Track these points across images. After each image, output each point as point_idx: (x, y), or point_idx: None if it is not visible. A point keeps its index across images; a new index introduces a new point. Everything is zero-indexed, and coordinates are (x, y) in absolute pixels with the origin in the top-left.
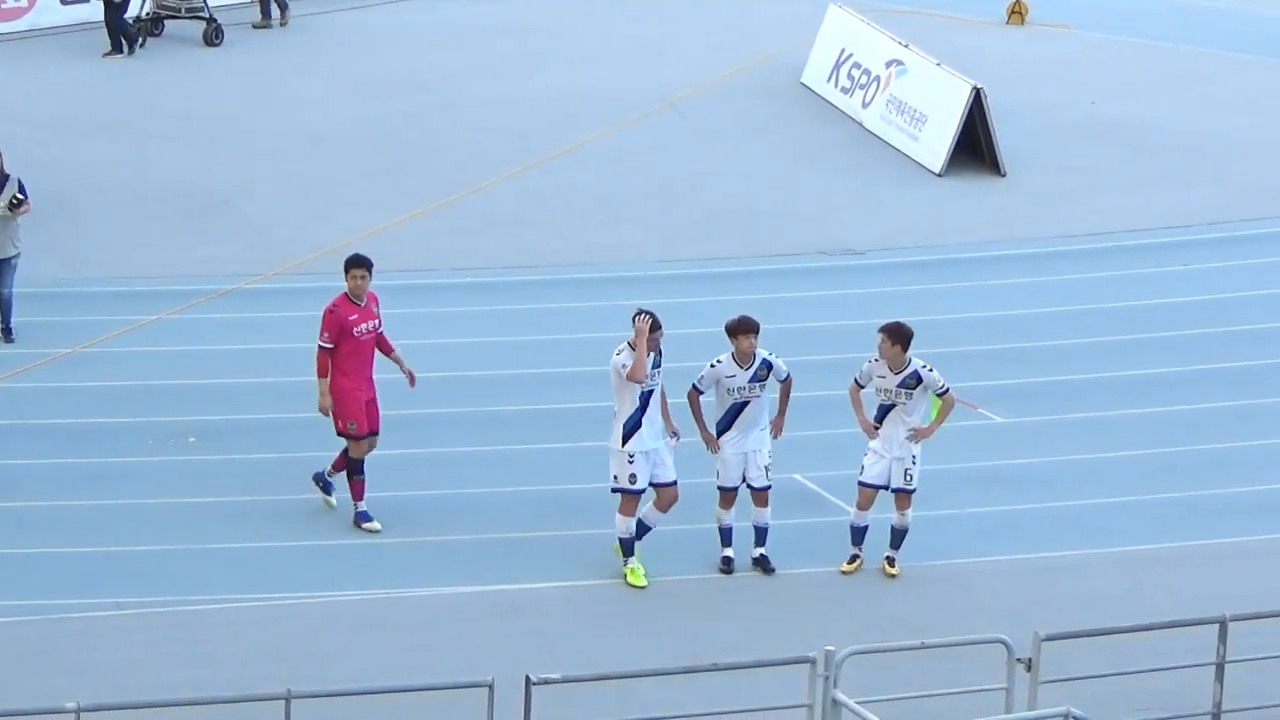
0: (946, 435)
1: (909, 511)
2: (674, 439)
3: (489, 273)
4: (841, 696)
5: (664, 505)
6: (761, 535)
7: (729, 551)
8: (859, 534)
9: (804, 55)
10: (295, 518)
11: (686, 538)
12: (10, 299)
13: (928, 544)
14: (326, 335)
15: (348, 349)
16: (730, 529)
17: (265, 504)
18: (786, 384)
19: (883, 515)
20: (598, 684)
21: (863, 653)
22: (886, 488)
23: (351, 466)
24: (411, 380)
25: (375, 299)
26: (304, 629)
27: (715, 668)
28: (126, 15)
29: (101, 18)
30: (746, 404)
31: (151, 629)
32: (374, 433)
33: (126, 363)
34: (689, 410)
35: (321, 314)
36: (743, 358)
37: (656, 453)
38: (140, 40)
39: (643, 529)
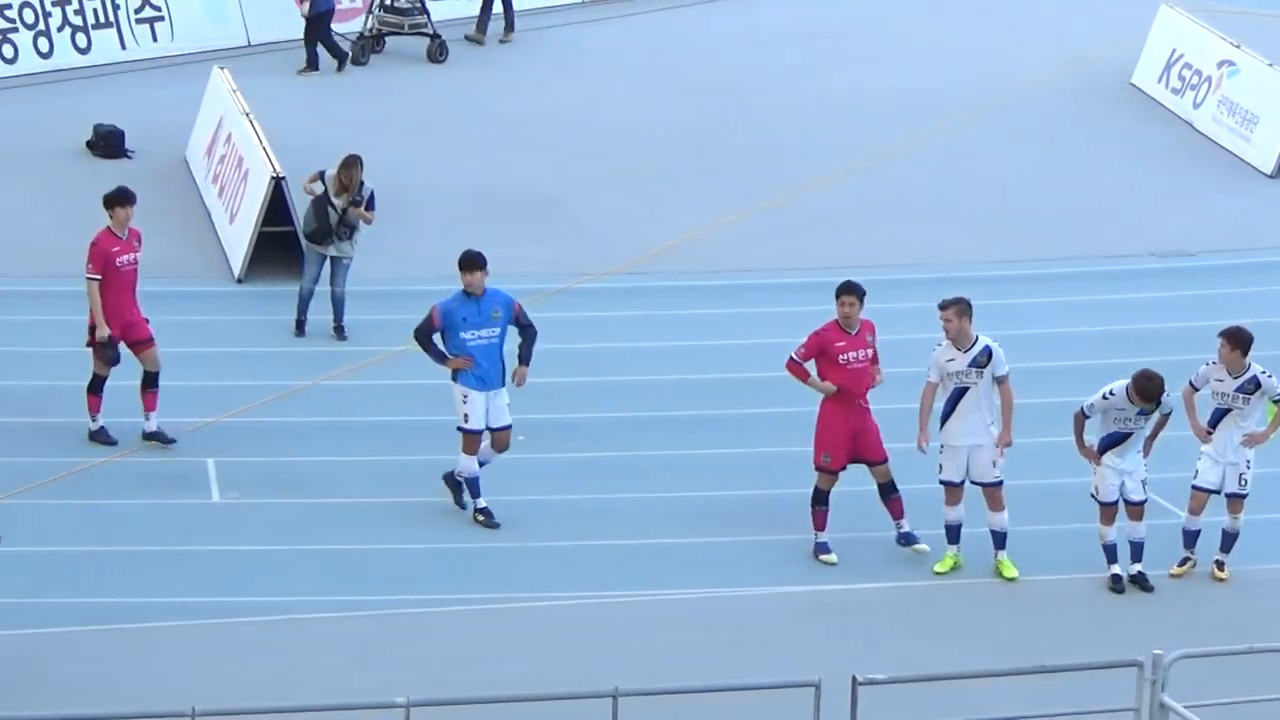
0: None
1: (1241, 516)
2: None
3: (813, 273)
4: (1169, 701)
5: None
6: (1137, 551)
7: (1116, 569)
8: (1191, 538)
9: (1127, 56)
10: (620, 516)
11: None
12: (343, 298)
13: (1258, 548)
14: (804, 350)
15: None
16: (1114, 545)
17: (591, 502)
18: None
19: (1214, 519)
20: (922, 685)
21: (1191, 657)
22: (1219, 492)
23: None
24: None
25: None
26: (629, 627)
27: (1042, 669)
28: (336, 31)
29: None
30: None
31: (479, 625)
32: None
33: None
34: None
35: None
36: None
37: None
38: (364, 57)
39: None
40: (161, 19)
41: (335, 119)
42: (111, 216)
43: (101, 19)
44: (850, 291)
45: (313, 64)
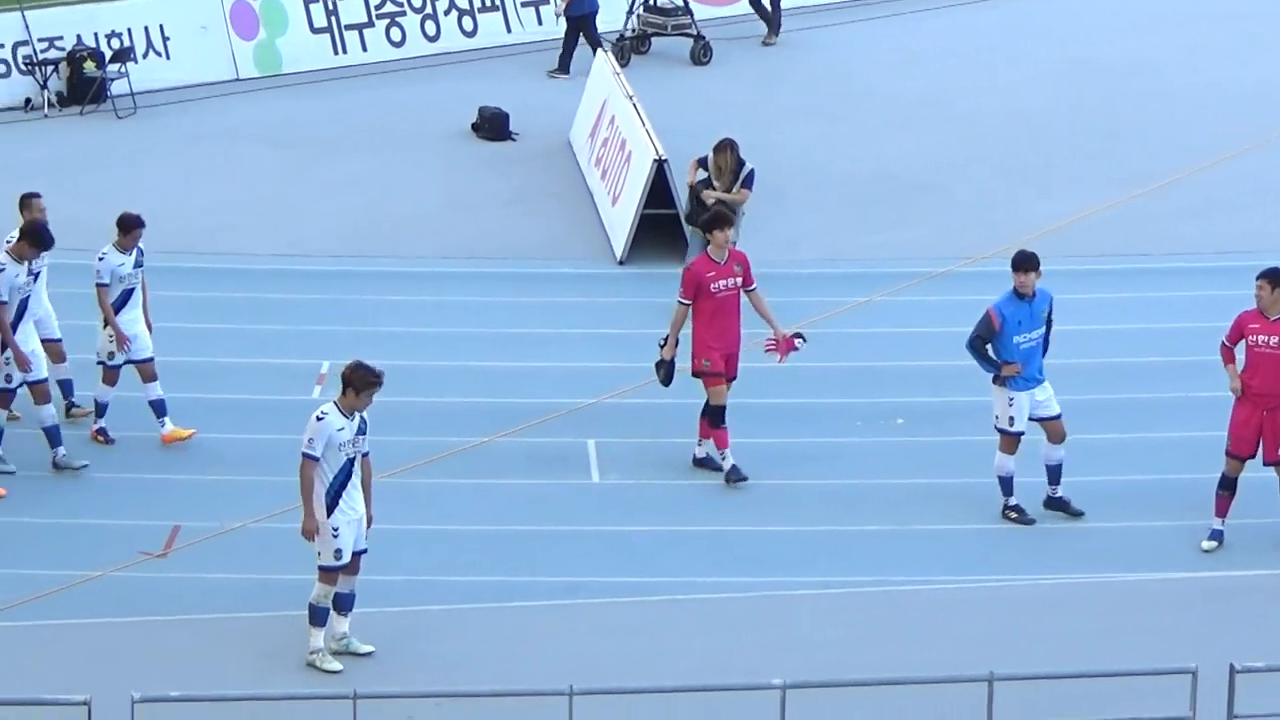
0: None
1: None
2: None
3: (1200, 258)
4: None
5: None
6: None
7: None
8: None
9: None
10: (996, 502)
11: None
12: None
13: None
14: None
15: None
16: None
17: (969, 487)
18: None
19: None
20: None
21: None
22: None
23: None
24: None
25: None
26: (1005, 612)
27: None
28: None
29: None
30: None
31: (855, 609)
32: None
33: (839, 344)
34: None
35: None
36: None
37: None
38: (624, 59)
39: None
40: (546, 2)
41: (716, 103)
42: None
43: (488, 3)
44: (1262, 276)
45: (564, 68)
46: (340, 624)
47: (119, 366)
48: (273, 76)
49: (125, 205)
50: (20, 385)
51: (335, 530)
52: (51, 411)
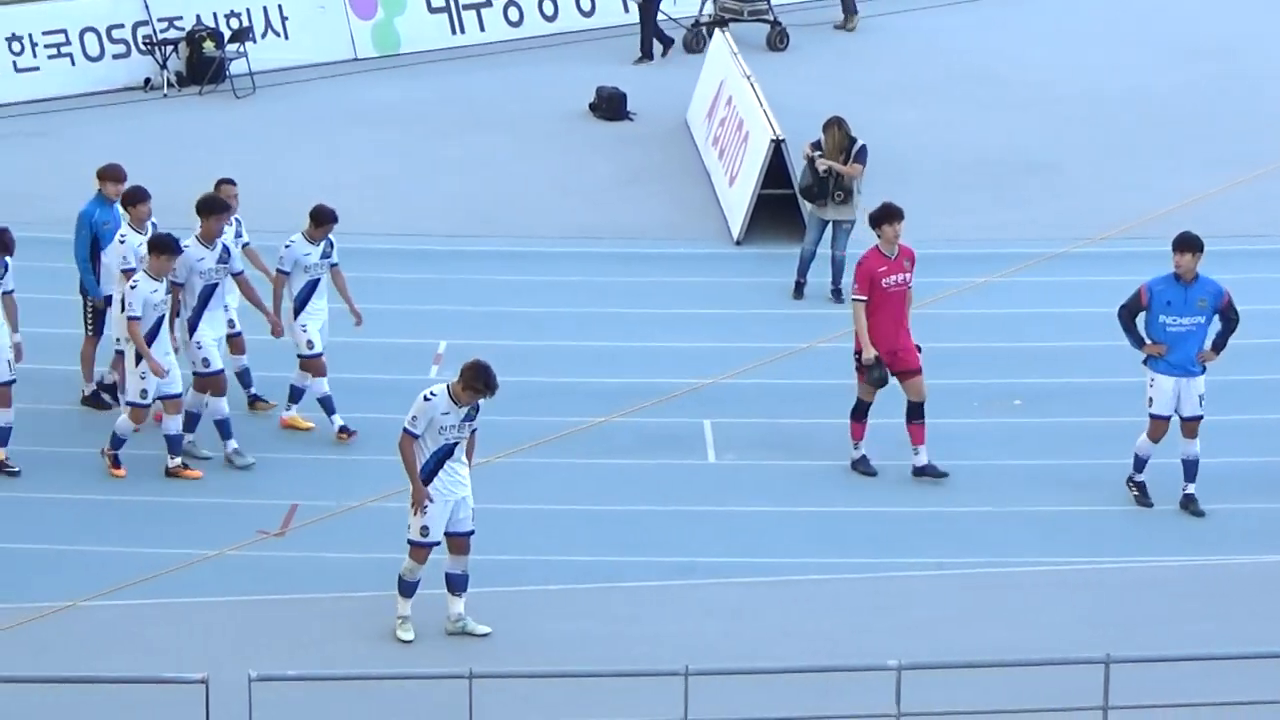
0: None
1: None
2: None
3: None
4: None
5: None
6: None
7: None
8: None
9: None
10: (1111, 484)
11: None
12: (843, 261)
13: None
14: None
15: None
16: None
17: (1085, 468)
18: None
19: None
20: None
21: None
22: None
23: None
24: None
25: None
26: (1120, 594)
27: None
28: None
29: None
30: None
31: (970, 590)
32: None
33: (955, 324)
34: None
35: None
36: None
37: None
38: (699, 44)
39: None
40: None
41: (835, 83)
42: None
43: None
44: None
45: (649, 53)
46: (455, 604)
47: (320, 355)
48: (391, 56)
49: (243, 184)
50: (220, 371)
51: (424, 505)
52: (223, 405)
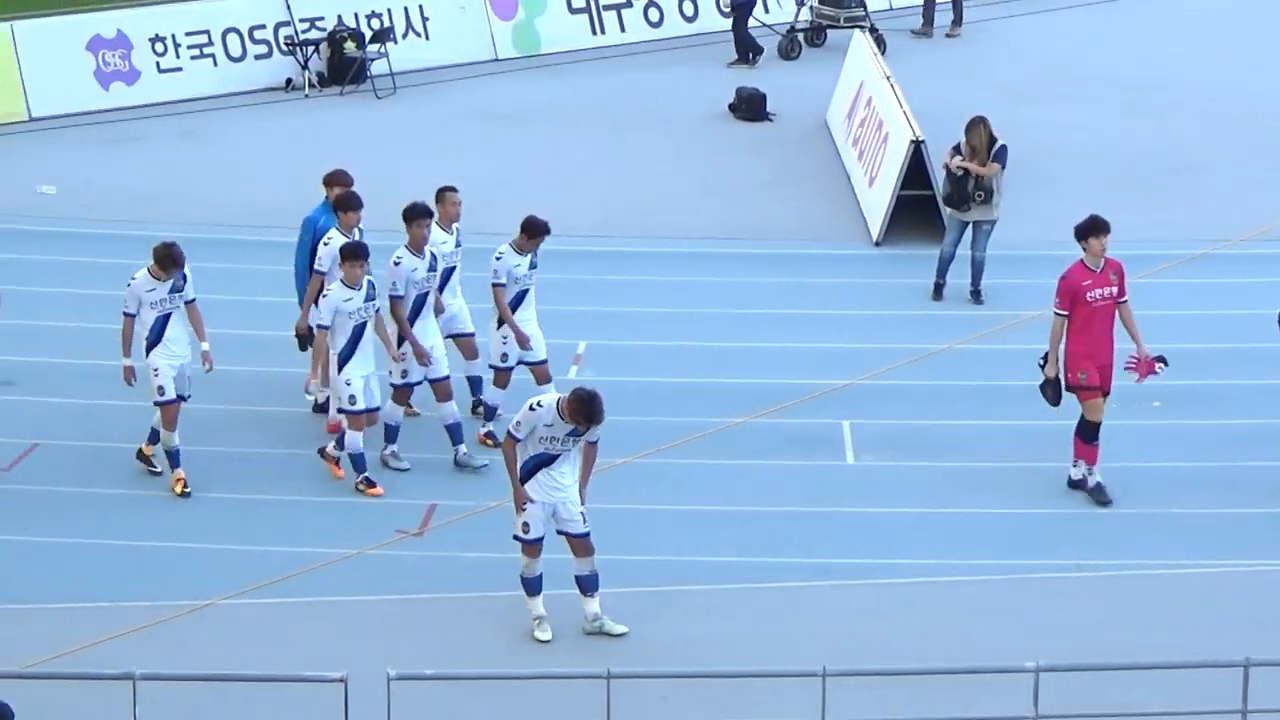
0: None
1: None
2: None
3: None
4: None
5: None
6: None
7: None
8: None
9: None
10: (1252, 486)
11: None
12: (983, 262)
13: None
14: None
15: None
16: None
17: (1226, 470)
18: None
19: None
20: None
21: None
22: None
23: None
24: None
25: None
26: (1261, 597)
27: None
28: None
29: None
30: None
31: (1109, 592)
32: None
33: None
34: None
35: None
36: None
37: None
38: (794, 51)
39: None
40: None
41: (977, 81)
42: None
43: None
44: None
45: (744, 58)
46: (589, 604)
47: (511, 368)
48: (531, 57)
49: (386, 185)
50: (420, 381)
51: (524, 505)
52: (453, 409)
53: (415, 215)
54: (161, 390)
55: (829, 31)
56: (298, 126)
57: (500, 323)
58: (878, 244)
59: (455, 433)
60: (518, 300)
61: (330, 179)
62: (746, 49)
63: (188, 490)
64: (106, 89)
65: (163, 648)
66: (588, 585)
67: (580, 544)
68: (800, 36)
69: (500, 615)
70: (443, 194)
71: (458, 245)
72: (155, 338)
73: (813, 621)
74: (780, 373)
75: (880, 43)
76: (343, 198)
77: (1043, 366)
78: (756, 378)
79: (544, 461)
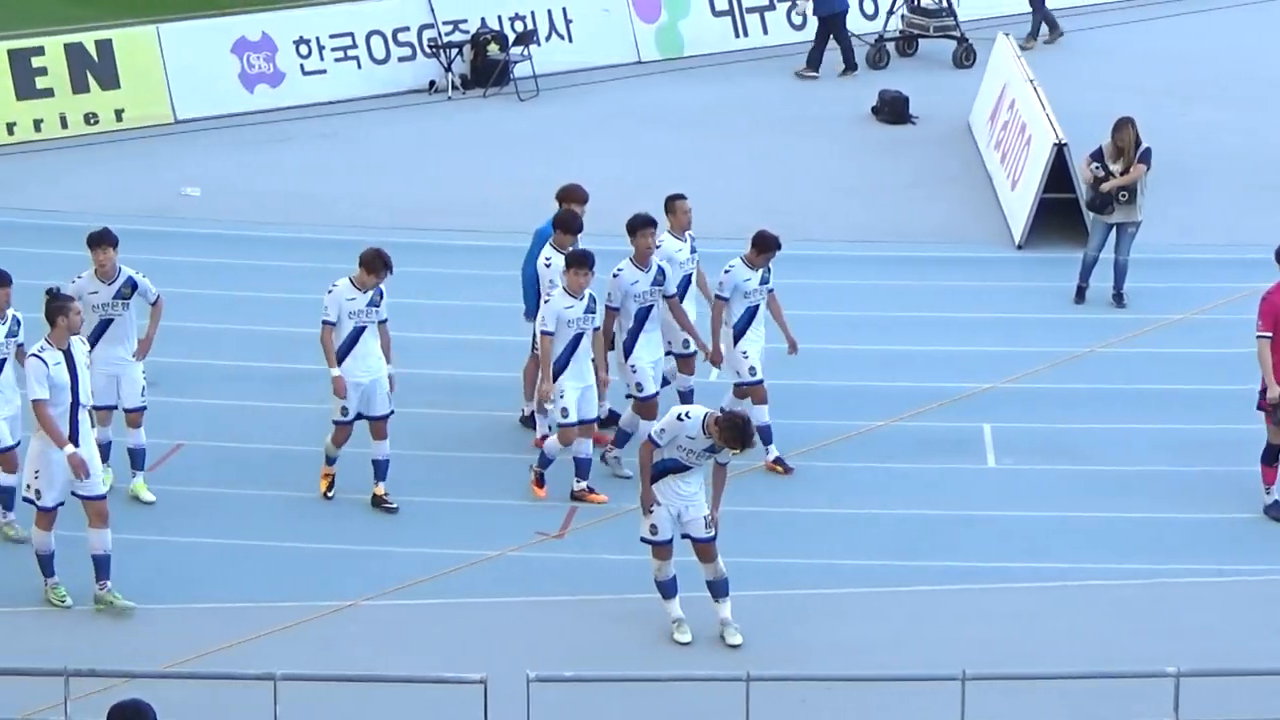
0: None
1: None
2: None
3: None
4: None
5: None
6: None
7: None
8: None
9: None
10: None
11: None
12: (1126, 265)
13: None
14: None
15: None
16: None
17: None
18: None
19: None
20: None
21: None
22: None
23: None
24: None
25: None
26: None
27: None
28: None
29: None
30: None
31: (1247, 597)
32: None
33: (1238, 329)
34: None
35: None
36: None
37: None
38: (883, 60)
39: None
40: None
41: (1116, 86)
42: None
43: None
44: None
45: (813, 66)
46: (720, 609)
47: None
48: (674, 59)
49: (527, 186)
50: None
51: (650, 508)
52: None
53: (639, 226)
54: (345, 411)
55: (919, 41)
56: (441, 129)
57: (736, 339)
58: (1020, 247)
59: (621, 439)
60: (749, 317)
61: (566, 194)
62: (853, 53)
63: (331, 493)
64: (251, 91)
65: (304, 648)
66: (716, 590)
67: (704, 549)
68: (890, 46)
69: (640, 617)
70: (672, 202)
71: (693, 251)
72: (345, 350)
73: (953, 625)
74: (921, 376)
75: (969, 53)
76: (562, 219)
77: (1261, 404)
78: (897, 381)
79: (674, 469)
